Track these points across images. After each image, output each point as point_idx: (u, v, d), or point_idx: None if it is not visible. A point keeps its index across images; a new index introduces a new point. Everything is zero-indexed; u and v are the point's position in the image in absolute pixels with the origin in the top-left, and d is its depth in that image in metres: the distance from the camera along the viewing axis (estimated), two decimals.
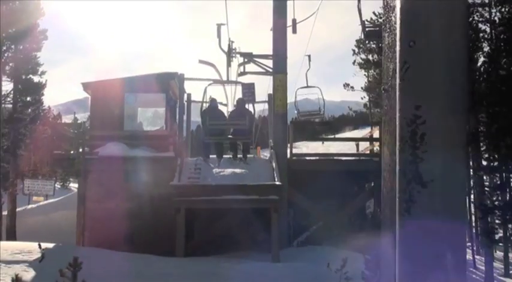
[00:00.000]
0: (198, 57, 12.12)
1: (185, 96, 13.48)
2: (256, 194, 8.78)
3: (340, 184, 12.79)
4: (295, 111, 13.25)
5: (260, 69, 11.18)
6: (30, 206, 18.85)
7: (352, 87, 26.17)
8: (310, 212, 11.24)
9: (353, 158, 11.97)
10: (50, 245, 7.35)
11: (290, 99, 11.62)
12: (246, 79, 11.23)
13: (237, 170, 9.95)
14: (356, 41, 26.13)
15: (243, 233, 10.28)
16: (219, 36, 10.27)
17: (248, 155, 11.16)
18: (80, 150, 10.50)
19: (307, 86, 12.92)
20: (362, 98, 26.66)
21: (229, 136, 10.01)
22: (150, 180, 10.35)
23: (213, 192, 8.71)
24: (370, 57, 21.06)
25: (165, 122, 11.40)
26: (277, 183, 8.94)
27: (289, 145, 11.14)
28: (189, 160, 10.91)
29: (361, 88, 23.25)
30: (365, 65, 21.22)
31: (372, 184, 11.82)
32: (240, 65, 10.91)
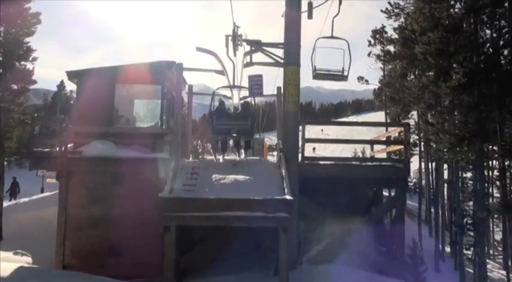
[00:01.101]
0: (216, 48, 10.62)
1: (186, 87, 12.16)
2: (263, 210, 7.39)
3: (356, 192, 11.38)
4: (311, 67, 10.02)
5: (269, 60, 9.70)
6: (22, 200, 17.83)
7: (366, 81, 24.75)
8: (323, 223, 9.85)
9: (373, 163, 10.45)
10: (12, 267, 6.06)
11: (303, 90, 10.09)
12: (253, 70, 9.76)
13: (240, 177, 8.56)
14: (372, 31, 24.56)
15: (245, 248, 8.96)
16: (227, 45, 9.76)
17: (254, 157, 10.04)
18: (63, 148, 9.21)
19: (332, 37, 9.73)
20: (380, 89, 24.83)
21: (234, 135, 10.33)
22: (141, 185, 9.08)
23: (211, 207, 7.33)
24: (391, 48, 19.25)
25: (160, 118, 10.02)
26: (288, 198, 7.53)
27: (301, 147, 9.70)
28: (186, 162, 9.56)
29: (379, 82, 21.52)
30: (385, 57, 19.43)
31: (393, 193, 10.35)
32: (246, 54, 9.43)
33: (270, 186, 8.46)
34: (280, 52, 9.78)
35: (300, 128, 9.85)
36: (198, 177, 8.86)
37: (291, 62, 9.47)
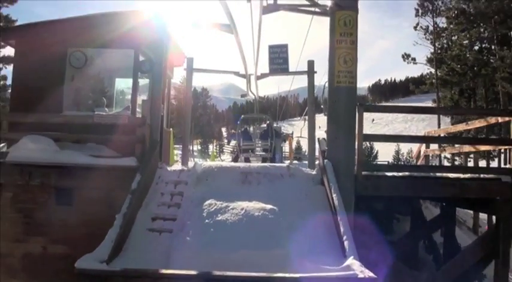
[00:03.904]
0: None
1: (184, 62, 8.52)
2: None
3: (439, 222, 7.54)
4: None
5: (303, 1, 5.85)
6: None
7: (413, 59, 21.12)
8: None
9: (466, 175, 6.28)
10: None
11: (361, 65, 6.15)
12: (277, 20, 5.91)
13: (255, 207, 4.79)
14: None
15: None
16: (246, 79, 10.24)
17: (277, 164, 6.45)
18: None
19: None
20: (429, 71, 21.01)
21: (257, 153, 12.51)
22: (98, 208, 5.64)
23: None
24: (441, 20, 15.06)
25: (132, 101, 6.43)
26: (359, 273, 3.64)
27: (357, 148, 5.77)
28: (168, 172, 5.95)
29: (427, 60, 17.68)
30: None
31: (496, 224, 6.10)
32: None
33: (310, 229, 4.63)
34: None
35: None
36: (182, 201, 5.22)
37: (343, 4, 5.53)
